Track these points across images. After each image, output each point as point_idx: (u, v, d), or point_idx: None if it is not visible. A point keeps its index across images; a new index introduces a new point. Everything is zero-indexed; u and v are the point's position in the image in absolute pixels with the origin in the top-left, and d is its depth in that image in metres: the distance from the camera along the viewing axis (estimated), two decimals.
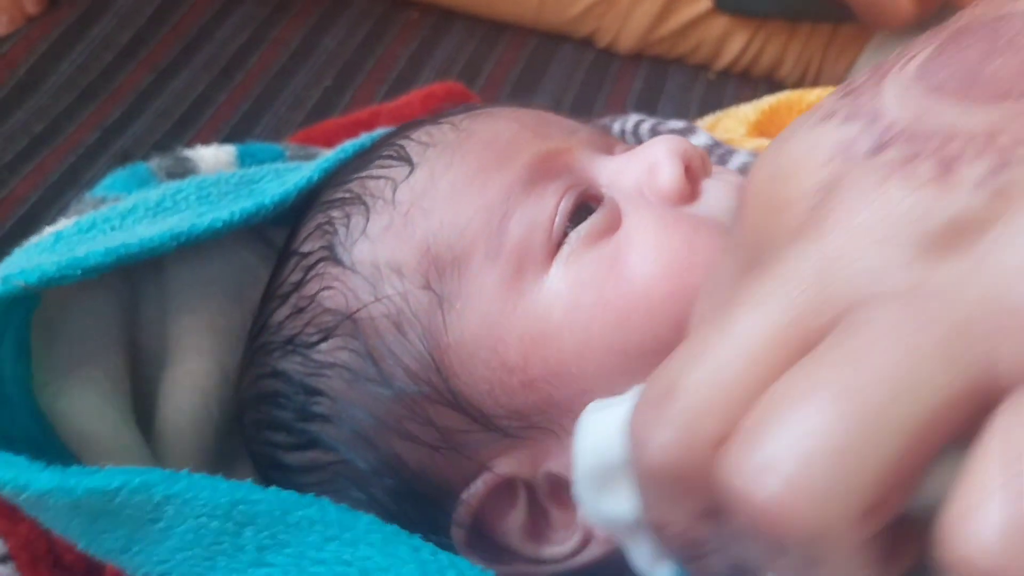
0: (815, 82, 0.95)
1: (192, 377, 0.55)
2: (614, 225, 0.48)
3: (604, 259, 0.46)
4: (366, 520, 0.42)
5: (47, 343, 0.50)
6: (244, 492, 0.41)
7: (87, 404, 0.50)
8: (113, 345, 0.53)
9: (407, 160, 0.51)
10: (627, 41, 0.97)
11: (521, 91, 0.93)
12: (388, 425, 0.49)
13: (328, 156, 0.55)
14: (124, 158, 0.86)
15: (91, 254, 0.46)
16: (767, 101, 0.63)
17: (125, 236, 0.48)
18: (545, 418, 0.47)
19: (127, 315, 0.56)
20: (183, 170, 0.61)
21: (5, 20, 0.97)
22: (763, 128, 0.62)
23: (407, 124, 0.56)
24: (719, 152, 0.56)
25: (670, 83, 0.94)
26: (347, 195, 0.51)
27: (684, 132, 0.60)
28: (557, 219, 0.47)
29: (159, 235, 0.48)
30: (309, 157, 0.63)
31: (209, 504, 0.41)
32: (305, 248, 0.51)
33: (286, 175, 0.56)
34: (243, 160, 0.62)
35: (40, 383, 0.48)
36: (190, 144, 0.85)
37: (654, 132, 0.62)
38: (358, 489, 0.44)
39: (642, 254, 0.46)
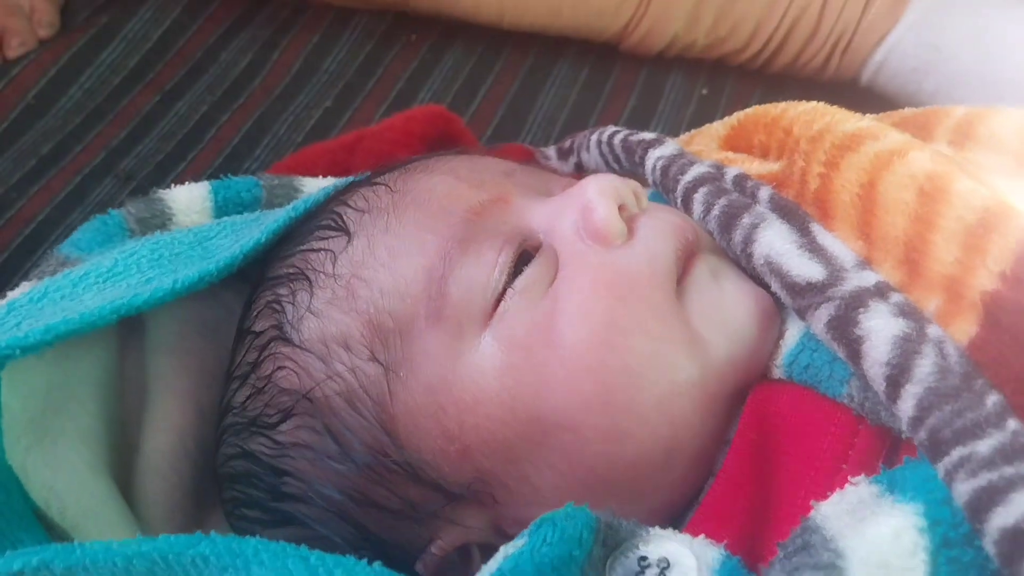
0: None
1: (169, 417, 0.56)
2: (552, 275, 0.49)
3: (538, 319, 0.47)
4: (253, 543, 0.42)
5: (22, 398, 0.50)
6: (135, 547, 0.42)
7: (52, 459, 0.50)
8: (89, 393, 0.54)
9: (344, 230, 0.51)
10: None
11: (518, 109, 0.94)
12: (355, 499, 0.50)
13: (278, 216, 0.55)
14: (128, 179, 0.88)
15: (31, 333, 0.46)
16: (736, 116, 0.64)
17: (69, 309, 0.49)
18: (488, 486, 0.48)
19: (113, 356, 0.57)
20: (153, 214, 0.61)
21: (16, 43, 0.99)
22: (732, 143, 0.62)
23: (346, 189, 0.56)
24: (680, 163, 0.57)
25: (663, 102, 0.95)
26: (291, 270, 0.52)
27: (653, 143, 0.60)
28: (495, 277, 0.48)
29: (99, 308, 0.48)
30: (284, 188, 0.64)
31: (108, 564, 0.41)
32: (257, 327, 0.52)
33: (241, 231, 0.56)
34: (216, 196, 0.63)
35: (12, 440, 0.49)
36: (192, 165, 0.88)
37: (624, 143, 0.63)
38: None
39: (571, 321, 0.46)
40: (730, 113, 0.66)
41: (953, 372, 0.40)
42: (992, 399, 0.38)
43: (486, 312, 0.48)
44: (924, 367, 0.40)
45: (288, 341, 0.50)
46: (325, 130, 0.92)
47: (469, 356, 0.47)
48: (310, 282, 0.51)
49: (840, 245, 0.48)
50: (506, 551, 0.41)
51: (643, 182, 0.59)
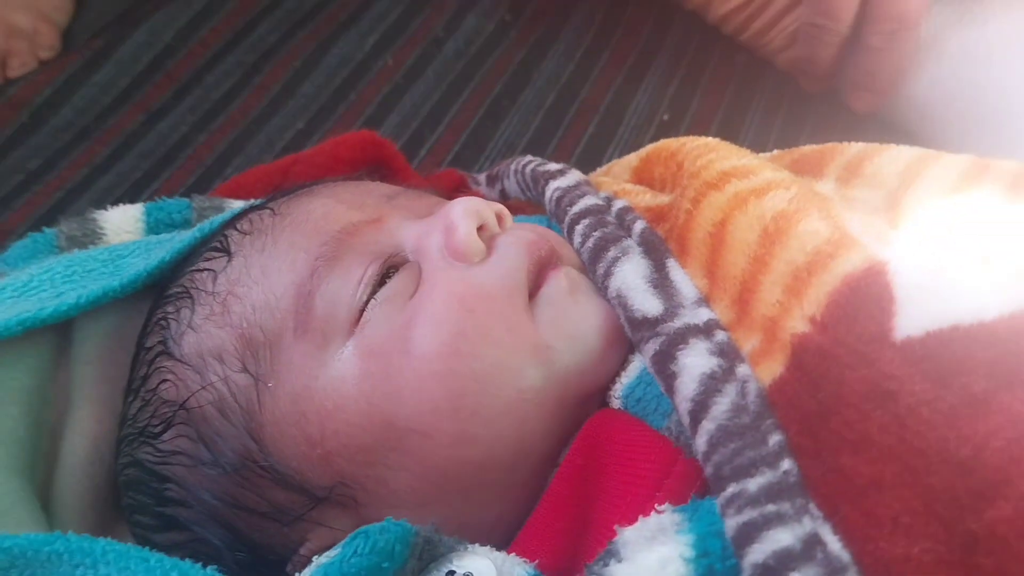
0: None
1: (85, 423, 0.59)
2: (414, 289, 0.51)
3: (395, 329, 0.49)
4: (102, 544, 0.45)
5: None
6: None
7: None
8: (14, 398, 0.57)
9: (226, 251, 0.54)
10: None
11: (479, 136, 0.96)
12: (228, 503, 0.52)
13: (185, 237, 0.59)
14: (104, 196, 0.92)
15: None
16: (646, 149, 0.65)
17: None
18: (349, 489, 0.50)
19: (45, 366, 0.60)
20: (84, 232, 0.65)
21: (17, 64, 1.04)
22: (639, 174, 0.64)
23: (241, 212, 0.59)
24: (573, 194, 0.59)
25: (623, 127, 0.96)
26: (179, 289, 0.55)
27: (556, 174, 0.63)
28: (360, 291, 0.50)
29: (6, 321, 0.52)
30: (214, 210, 0.67)
31: None
32: (147, 343, 0.55)
33: (153, 250, 0.60)
34: (149, 217, 0.66)
35: None
36: (167, 183, 0.92)
37: (533, 173, 0.65)
38: (216, 562, 0.47)
39: (423, 331, 0.49)
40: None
41: (748, 411, 0.41)
42: (774, 439, 0.40)
43: (350, 323, 0.50)
44: (721, 405, 0.42)
45: (170, 355, 0.53)
46: (294, 151, 0.95)
47: (332, 365, 0.50)
48: (192, 299, 0.54)
49: (687, 282, 0.49)
50: (318, 561, 0.43)
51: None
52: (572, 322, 0.51)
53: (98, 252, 0.61)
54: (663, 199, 0.57)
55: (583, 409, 0.51)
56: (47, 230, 0.65)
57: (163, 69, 1.04)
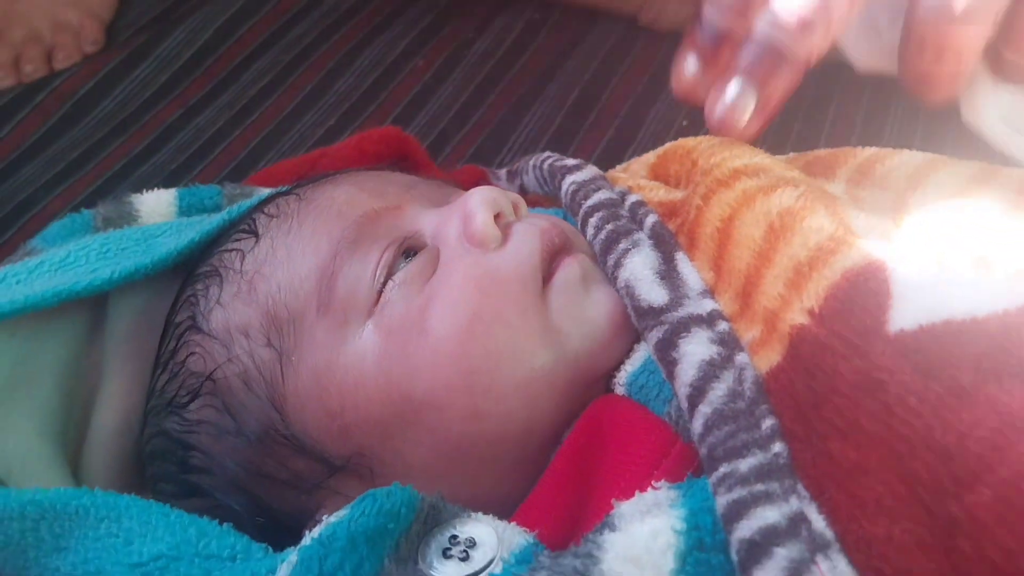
0: None
1: (115, 397, 0.62)
2: (432, 272, 0.53)
3: (414, 309, 0.51)
4: (125, 499, 0.48)
5: None
6: (30, 495, 0.48)
7: (7, 424, 0.57)
8: (49, 369, 0.60)
9: (254, 232, 0.57)
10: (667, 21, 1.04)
11: (500, 135, 0.98)
12: (250, 470, 0.55)
13: (215, 219, 0.61)
14: (140, 186, 0.95)
15: None
16: (664, 147, 0.67)
17: (16, 292, 0.56)
18: (366, 460, 0.52)
19: (79, 341, 0.63)
20: (120, 215, 0.68)
21: (63, 57, 1.07)
22: (656, 171, 0.66)
23: (269, 196, 0.62)
24: (588, 188, 0.60)
25: (643, 131, 0.98)
26: (208, 268, 0.57)
27: (572, 169, 0.64)
28: (378, 272, 0.52)
29: (43, 292, 0.55)
30: (243, 197, 0.69)
31: (6, 510, 0.47)
32: (177, 319, 0.58)
33: (184, 231, 0.62)
34: (182, 202, 0.69)
35: None
36: (200, 175, 0.94)
37: (551, 168, 0.67)
38: (238, 528, 0.49)
39: (440, 312, 0.51)
40: None
41: (743, 397, 0.43)
42: (768, 423, 0.41)
43: (370, 303, 0.52)
44: (718, 390, 0.43)
45: (199, 330, 0.56)
46: (325, 147, 0.98)
47: (352, 344, 0.52)
48: (221, 278, 0.56)
49: (694, 274, 0.51)
50: (327, 520, 0.45)
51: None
52: (583, 308, 0.53)
53: (132, 232, 0.64)
54: (676, 194, 0.59)
55: (589, 392, 0.52)
56: (85, 211, 0.68)
57: (201, 66, 1.07)
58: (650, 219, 0.56)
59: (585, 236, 0.57)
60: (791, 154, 0.65)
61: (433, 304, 0.52)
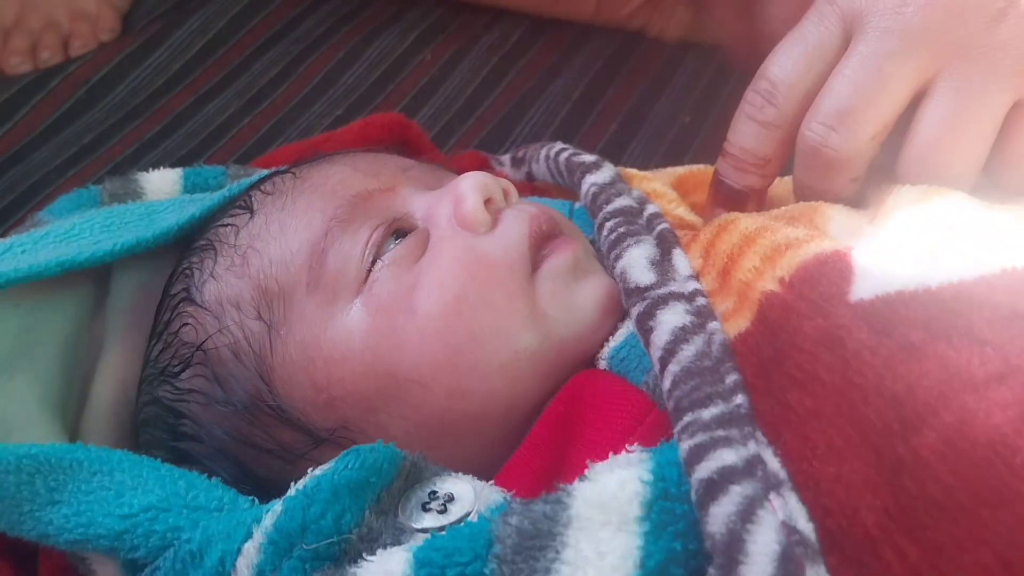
0: None
1: (114, 368, 0.63)
2: (421, 253, 0.54)
3: (402, 288, 0.53)
4: (118, 454, 0.50)
5: None
6: (26, 449, 0.49)
7: (8, 392, 0.58)
8: (52, 340, 0.61)
9: (250, 208, 0.58)
10: (674, 31, 1.08)
11: (504, 128, 0.99)
12: (237, 439, 0.56)
13: (215, 196, 0.62)
14: (152, 169, 0.97)
15: None
16: (689, 168, 0.69)
17: (21, 261, 0.57)
18: (350, 432, 0.54)
19: (82, 314, 0.64)
20: (126, 191, 0.69)
21: (78, 44, 1.09)
22: (678, 187, 0.67)
23: (266, 175, 0.63)
24: (608, 192, 0.61)
25: (645, 127, 0.99)
26: (204, 242, 0.58)
27: (591, 168, 0.65)
28: (367, 251, 0.54)
29: (47, 262, 0.56)
30: (248, 176, 0.70)
31: (2, 463, 0.49)
32: (172, 290, 0.59)
33: (185, 207, 0.63)
34: (187, 180, 0.70)
35: None
36: (208, 161, 0.96)
37: (568, 162, 0.68)
38: None
39: (427, 292, 0.52)
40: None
41: (710, 357, 0.44)
42: (731, 378, 0.43)
43: (359, 281, 0.54)
44: (688, 352, 0.45)
45: (192, 301, 0.57)
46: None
47: (340, 319, 0.53)
48: (215, 251, 0.57)
49: (685, 263, 0.52)
50: (312, 473, 0.46)
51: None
52: (571, 294, 0.54)
53: (135, 207, 0.65)
54: (695, 219, 0.61)
55: (573, 371, 0.53)
56: (92, 187, 0.69)
57: (213, 55, 1.09)
58: (661, 227, 0.57)
59: (600, 237, 0.58)
60: None
61: (421, 284, 0.53)
